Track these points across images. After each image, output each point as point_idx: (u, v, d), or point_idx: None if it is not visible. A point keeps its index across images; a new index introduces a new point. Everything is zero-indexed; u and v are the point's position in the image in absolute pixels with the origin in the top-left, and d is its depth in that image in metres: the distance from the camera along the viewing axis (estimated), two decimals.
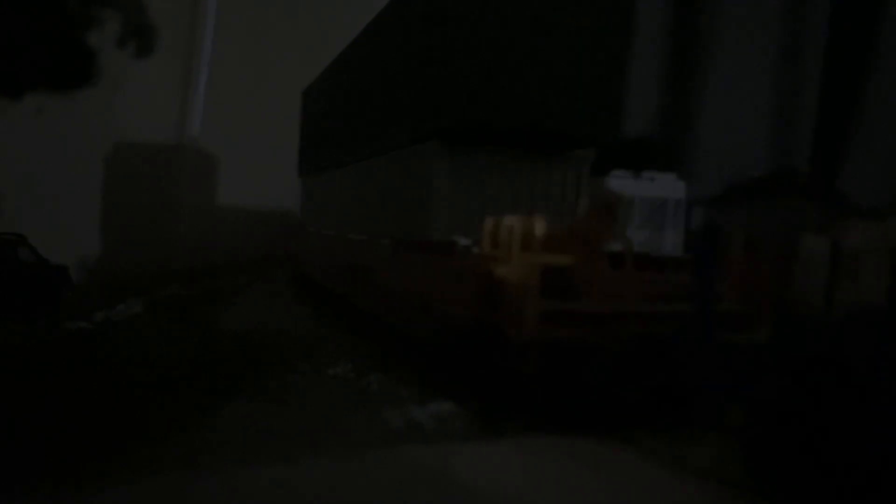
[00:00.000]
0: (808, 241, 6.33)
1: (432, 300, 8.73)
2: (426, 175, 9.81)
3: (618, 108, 10.13)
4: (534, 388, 6.91)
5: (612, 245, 7.50)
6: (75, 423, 6.37)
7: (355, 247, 12.79)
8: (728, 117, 12.50)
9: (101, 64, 17.22)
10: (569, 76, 9.53)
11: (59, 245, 13.52)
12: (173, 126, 21.55)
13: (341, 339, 10.88)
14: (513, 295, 7.04)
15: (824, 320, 5.68)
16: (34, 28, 15.54)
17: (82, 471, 5.25)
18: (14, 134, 16.42)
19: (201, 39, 21.61)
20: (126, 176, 20.02)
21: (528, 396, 6.91)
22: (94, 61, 17.07)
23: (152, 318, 12.29)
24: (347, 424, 6.76)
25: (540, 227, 7.19)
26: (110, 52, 17.56)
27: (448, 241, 8.57)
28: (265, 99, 20.64)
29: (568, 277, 7.17)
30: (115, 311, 12.52)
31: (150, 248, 19.58)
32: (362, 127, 13.13)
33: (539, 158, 10.01)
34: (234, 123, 20.67)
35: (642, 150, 11.83)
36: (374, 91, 12.41)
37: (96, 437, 6.08)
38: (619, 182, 10.53)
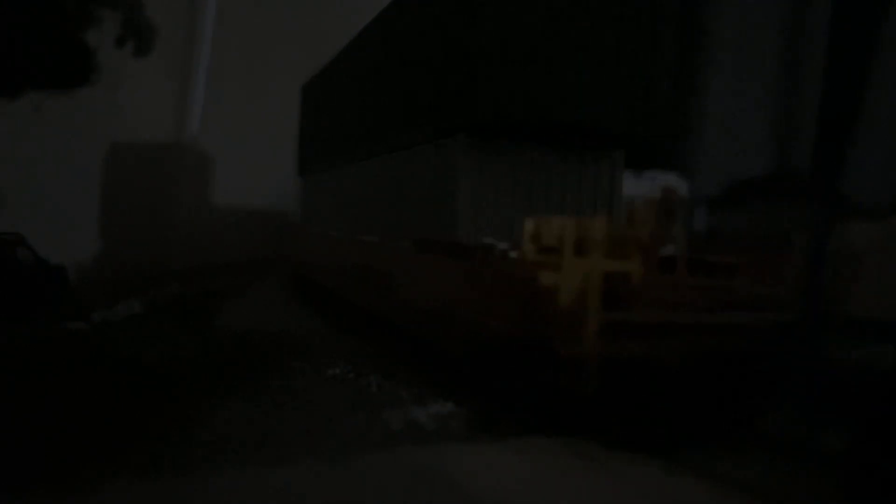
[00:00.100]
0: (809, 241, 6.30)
1: (461, 309, 8.02)
2: (452, 172, 9.16)
3: (653, 104, 9.50)
4: (592, 410, 6.33)
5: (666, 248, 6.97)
6: (74, 424, 6.35)
7: (368, 249, 11.96)
8: (729, 117, 12.49)
9: (99, 63, 17.18)
10: (603, 70, 8.99)
11: (57, 245, 13.48)
12: (172, 125, 21.52)
13: (341, 340, 10.86)
14: (567, 306, 6.35)
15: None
16: (33, 27, 15.50)
17: (82, 471, 5.23)
18: (12, 133, 16.38)
19: (200, 39, 21.58)
20: (125, 175, 19.98)
21: (586, 420, 6.36)
22: (93, 60, 17.03)
23: (151, 319, 12.26)
24: (347, 425, 6.74)
25: (601, 229, 6.54)
26: (109, 52, 17.53)
27: (482, 244, 7.96)
28: (264, 98, 20.62)
29: (624, 285, 6.53)
30: (114, 311, 12.50)
31: (149, 247, 19.55)
32: (376, 121, 12.38)
33: (571, 156, 9.42)
34: (233, 123, 20.65)
35: (645, 150, 11.67)
36: (390, 83, 11.70)
37: (95, 438, 6.06)
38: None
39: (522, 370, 6.85)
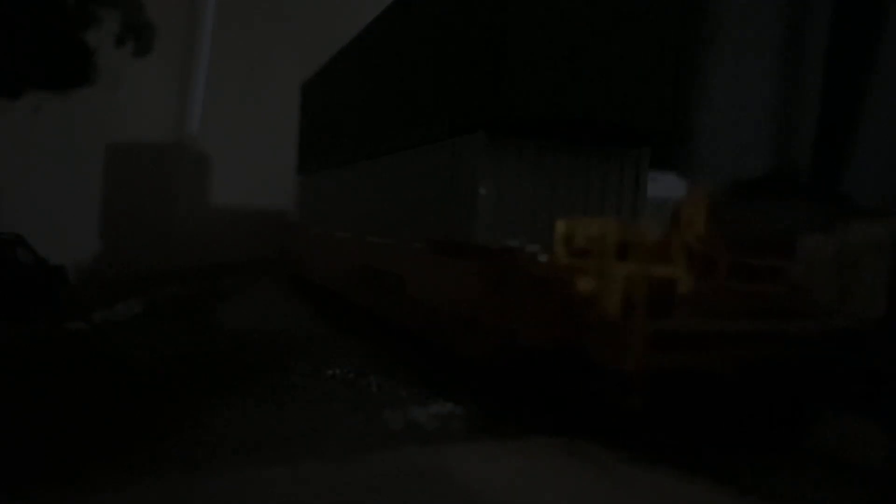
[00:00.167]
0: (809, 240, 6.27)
1: (483, 315, 7.59)
2: (470, 171, 8.81)
3: (678, 101, 9.12)
4: (641, 424, 6.03)
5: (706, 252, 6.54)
6: (74, 424, 6.35)
7: (376, 251, 11.51)
8: (729, 117, 12.48)
9: (99, 63, 17.19)
10: (627, 65, 8.60)
11: (57, 245, 13.48)
12: (172, 125, 21.52)
13: (341, 340, 10.85)
14: (609, 314, 5.97)
15: None
16: (33, 27, 15.50)
17: (82, 471, 5.22)
18: (12, 132, 16.39)
19: (200, 38, 21.56)
20: (125, 175, 19.99)
21: (634, 436, 6.06)
22: (93, 60, 17.04)
23: (151, 319, 12.25)
24: (347, 425, 6.73)
25: (646, 233, 6.22)
26: (109, 51, 17.54)
27: (507, 247, 7.55)
28: (264, 98, 20.63)
29: (669, 292, 6.12)
30: (114, 311, 12.50)
31: (149, 247, 19.55)
32: (385, 119, 11.95)
33: (594, 155, 9.02)
34: (232, 123, 20.65)
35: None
36: (401, 79, 11.27)
37: (95, 438, 6.07)
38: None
39: (557, 380, 6.54)
